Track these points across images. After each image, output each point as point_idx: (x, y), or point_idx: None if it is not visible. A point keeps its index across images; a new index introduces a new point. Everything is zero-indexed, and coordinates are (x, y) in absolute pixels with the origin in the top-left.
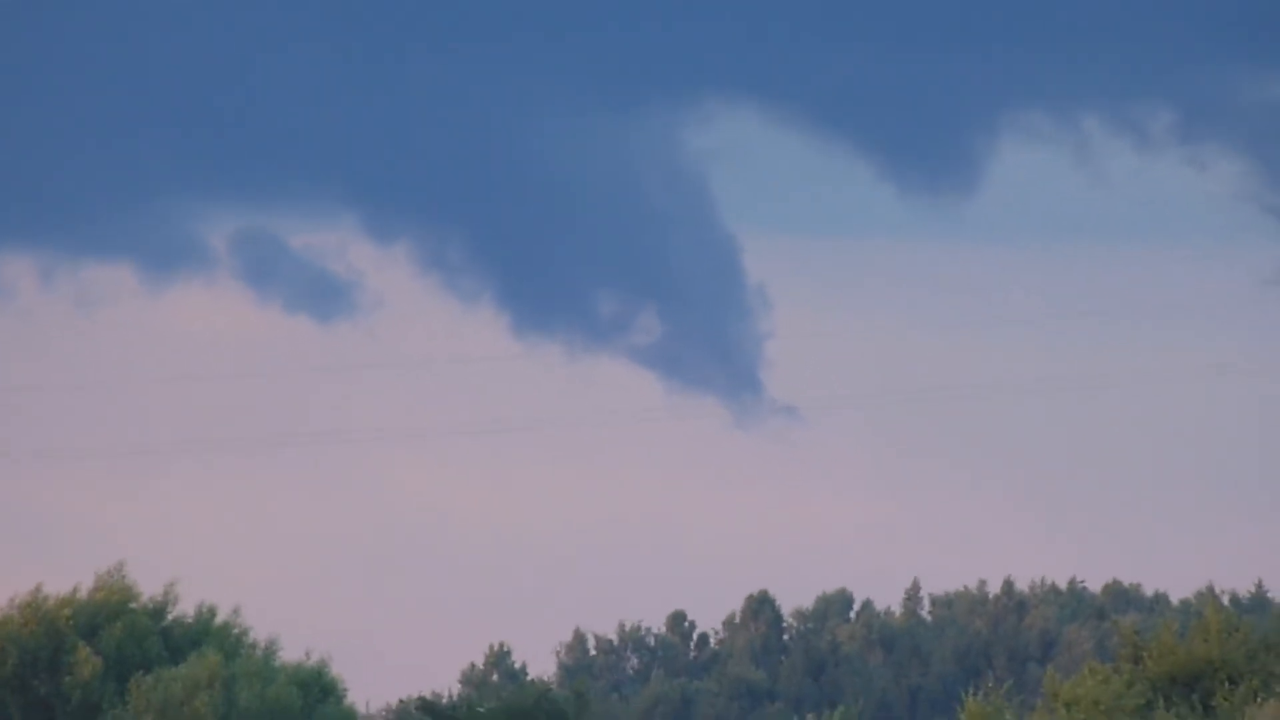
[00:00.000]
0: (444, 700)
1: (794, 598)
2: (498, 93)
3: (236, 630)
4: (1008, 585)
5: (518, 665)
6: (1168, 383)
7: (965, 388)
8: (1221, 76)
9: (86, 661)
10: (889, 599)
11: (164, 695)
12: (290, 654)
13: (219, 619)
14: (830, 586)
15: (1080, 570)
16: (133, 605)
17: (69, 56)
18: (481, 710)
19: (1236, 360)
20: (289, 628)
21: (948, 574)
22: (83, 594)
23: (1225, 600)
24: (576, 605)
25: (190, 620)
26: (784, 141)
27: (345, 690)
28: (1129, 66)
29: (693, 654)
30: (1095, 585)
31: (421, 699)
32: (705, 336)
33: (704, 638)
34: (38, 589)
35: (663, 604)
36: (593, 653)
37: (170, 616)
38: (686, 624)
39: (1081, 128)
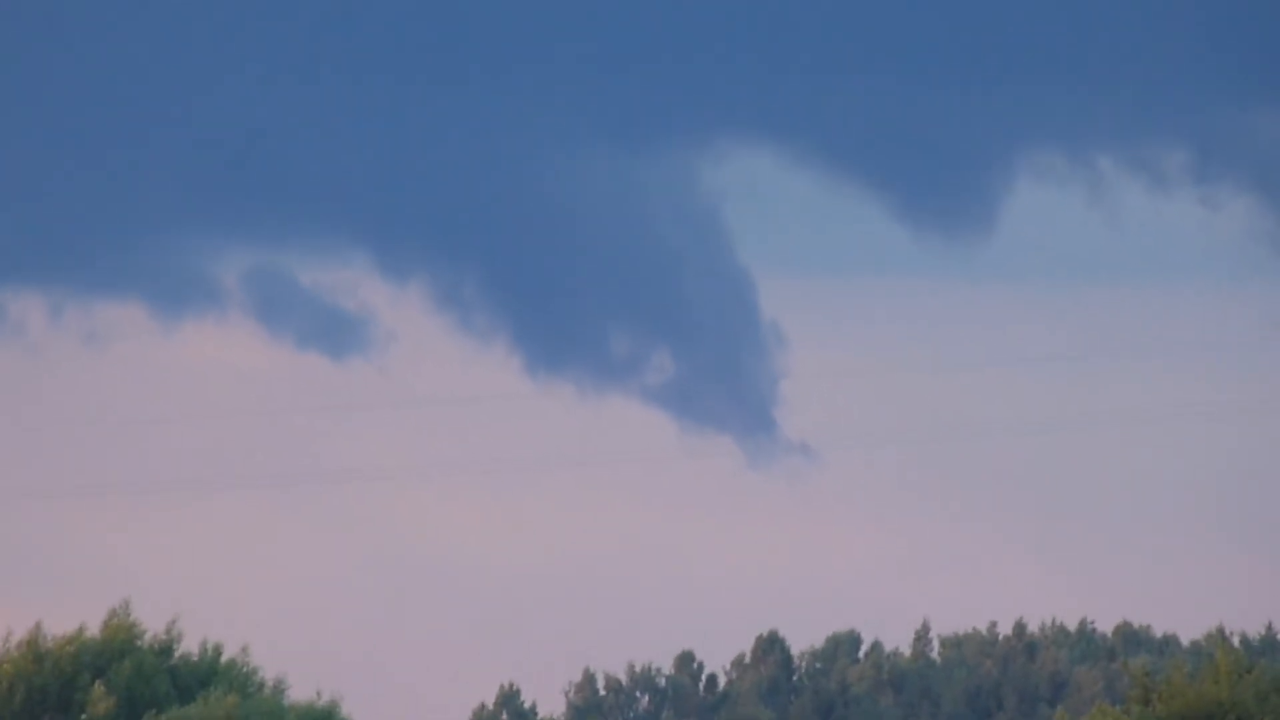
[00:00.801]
0: None
1: (804, 638)
2: (512, 131)
3: (245, 669)
4: (1019, 626)
5: (527, 705)
6: (1179, 423)
7: (977, 427)
8: (1236, 116)
9: (102, 699)
10: (899, 639)
11: None
12: (300, 693)
13: (225, 657)
14: (840, 626)
15: (1091, 611)
16: (139, 643)
17: (79, 93)
18: None
19: (1248, 401)
20: (299, 667)
21: (958, 614)
22: (90, 631)
23: (1236, 642)
24: (587, 645)
25: (196, 659)
26: (798, 180)
27: None
28: (1143, 106)
29: (702, 694)
30: (1106, 626)
31: None
32: (719, 375)
33: (713, 678)
34: (37, 627)
35: (673, 644)
36: (602, 693)
37: (177, 655)
38: (695, 664)
39: (1095, 167)
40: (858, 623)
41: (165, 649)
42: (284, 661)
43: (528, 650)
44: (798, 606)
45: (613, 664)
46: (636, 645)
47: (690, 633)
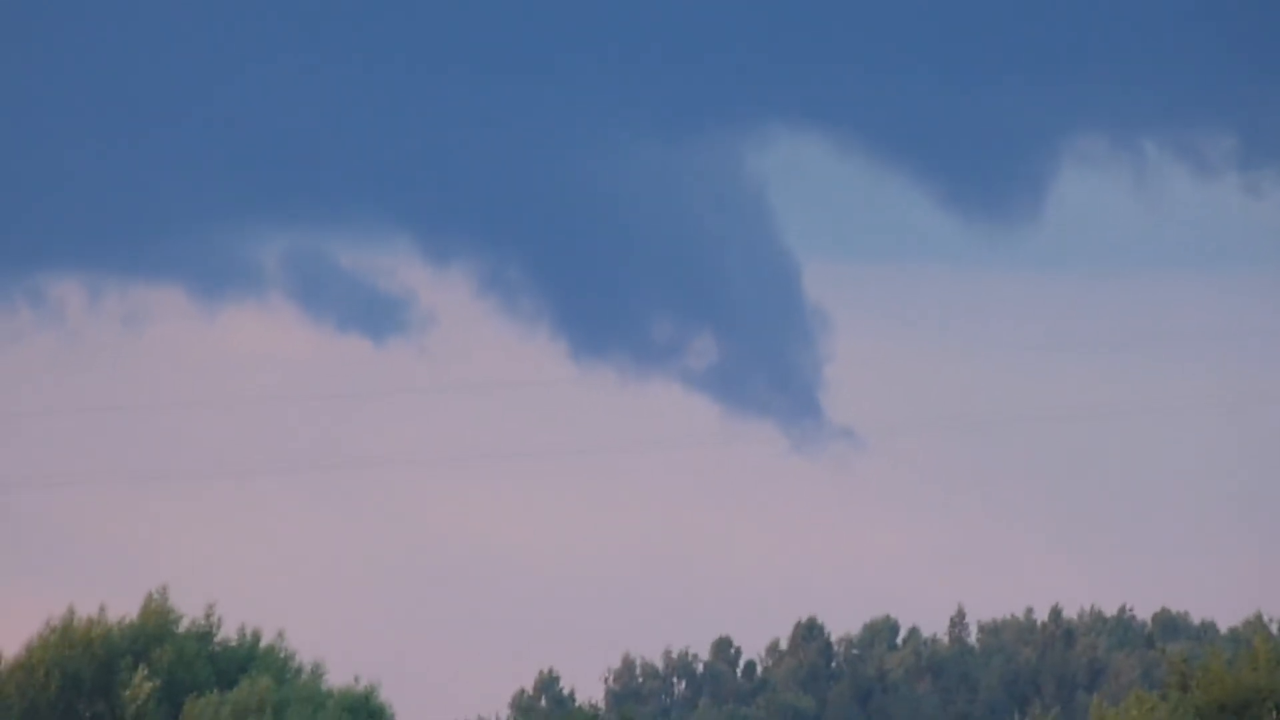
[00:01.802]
0: None
1: (842, 624)
2: (556, 117)
3: (283, 654)
4: (1055, 613)
5: (566, 691)
6: (1221, 410)
7: (1018, 414)
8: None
9: (143, 684)
10: (937, 626)
11: (217, 719)
12: (337, 679)
13: (264, 642)
14: (879, 613)
15: (1129, 599)
16: (176, 628)
17: (122, 83)
18: None
19: None
20: (338, 652)
21: (997, 602)
22: (130, 616)
23: (1275, 629)
24: (626, 631)
25: (235, 644)
26: (843, 167)
27: (394, 715)
28: (1189, 93)
29: (740, 680)
30: (1144, 614)
31: None
32: (763, 360)
33: (751, 665)
34: (70, 612)
35: (712, 630)
36: (640, 679)
37: (216, 640)
38: (733, 650)
39: (1140, 155)
40: (897, 609)
41: (205, 634)
42: (323, 647)
43: (568, 636)
44: (837, 593)
45: (653, 650)
46: (677, 631)
47: (729, 619)
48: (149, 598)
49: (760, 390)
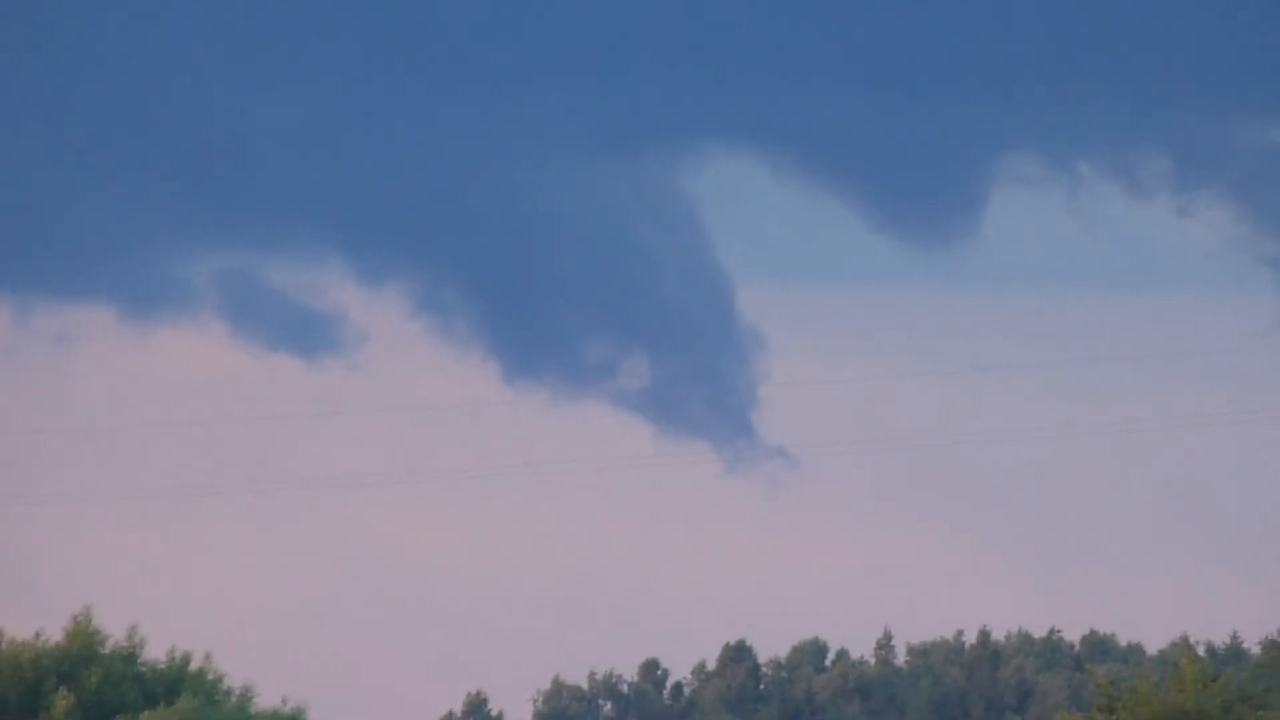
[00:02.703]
0: None
1: (772, 646)
2: (491, 135)
3: (211, 676)
4: (984, 635)
5: (495, 713)
6: (1148, 433)
7: (952, 436)
8: (1215, 124)
9: (64, 706)
10: (866, 648)
11: None
12: (266, 701)
13: (193, 665)
14: (810, 634)
15: (1057, 620)
16: (103, 650)
17: (50, 101)
18: None
19: (1218, 412)
20: (266, 674)
21: (928, 623)
22: (54, 638)
23: (1201, 651)
24: (556, 653)
25: (164, 666)
26: (779, 188)
27: None
28: (1123, 113)
29: (667, 702)
30: (1072, 635)
31: None
32: (697, 381)
33: (679, 686)
34: None
35: (642, 652)
36: (567, 701)
37: (142, 662)
38: (660, 672)
39: (1074, 176)
40: (828, 631)
41: (131, 656)
42: (252, 669)
43: (497, 658)
44: (767, 614)
45: (582, 672)
46: (607, 653)
47: (659, 640)
48: (75, 620)
49: (694, 411)
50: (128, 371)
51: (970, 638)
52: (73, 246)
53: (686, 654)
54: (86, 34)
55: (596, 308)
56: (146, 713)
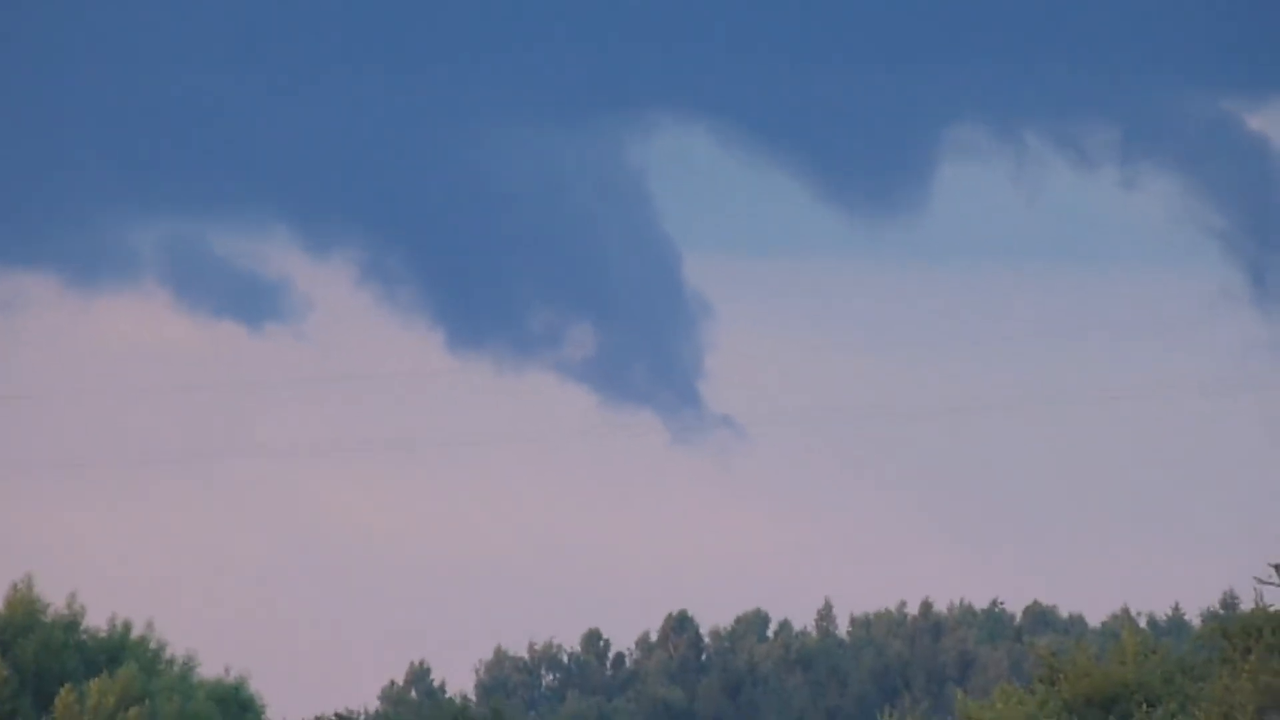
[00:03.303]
0: (361, 717)
1: (716, 617)
2: (438, 105)
3: (153, 645)
4: (925, 606)
5: (437, 683)
6: (1092, 405)
7: (896, 407)
8: (1162, 95)
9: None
10: (808, 619)
11: (93, 708)
12: (208, 670)
13: (134, 634)
14: (753, 605)
15: (999, 592)
16: (43, 618)
17: None
18: None
19: (1160, 383)
20: (208, 644)
21: (869, 594)
22: None
23: (1143, 623)
24: (500, 623)
25: (105, 635)
26: (726, 158)
27: (264, 707)
28: (1070, 85)
29: (609, 673)
30: (1014, 607)
31: (339, 715)
32: (643, 350)
33: (620, 657)
34: None
35: (587, 622)
36: (509, 672)
37: (84, 630)
38: (602, 643)
39: (1021, 147)
40: (771, 602)
41: (71, 624)
42: (195, 638)
43: (440, 628)
44: (711, 585)
45: (525, 642)
46: (551, 623)
47: (602, 611)
48: (14, 588)
49: (640, 380)
50: (71, 339)
51: (912, 609)
52: (16, 214)
53: (630, 625)
54: (31, 4)
55: (542, 277)
56: (93, 682)
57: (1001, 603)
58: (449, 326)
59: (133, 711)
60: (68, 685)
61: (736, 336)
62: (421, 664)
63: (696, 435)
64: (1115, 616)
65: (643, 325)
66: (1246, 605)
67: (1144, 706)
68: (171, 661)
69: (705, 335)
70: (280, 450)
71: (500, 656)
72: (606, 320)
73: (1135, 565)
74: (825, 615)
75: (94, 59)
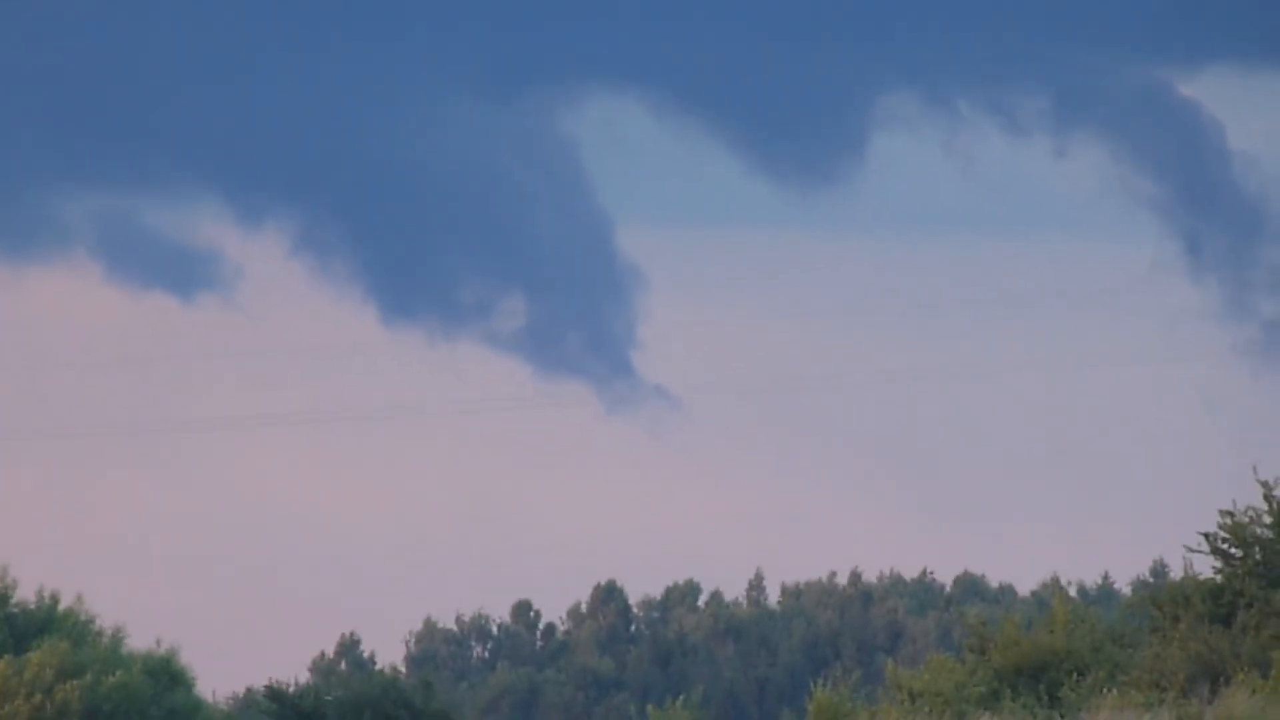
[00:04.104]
0: (291, 689)
1: (644, 587)
2: (369, 76)
3: (82, 618)
4: (855, 576)
5: (367, 654)
6: (1021, 374)
7: (827, 377)
8: (1093, 63)
9: None
10: (738, 590)
11: (29, 680)
12: (138, 642)
13: (62, 606)
14: (682, 576)
15: (929, 562)
16: None
17: None
18: (328, 699)
19: (1088, 353)
20: (138, 617)
21: (800, 564)
22: None
23: (1073, 592)
24: (431, 595)
25: (33, 607)
26: (658, 129)
27: (194, 679)
28: (1000, 52)
29: (539, 643)
30: (944, 577)
31: (269, 687)
32: (576, 321)
33: (550, 627)
34: None
35: (516, 593)
36: (438, 643)
37: (14, 603)
38: (532, 614)
39: (953, 116)
40: (702, 572)
41: (1, 597)
42: (123, 611)
43: (371, 599)
44: (643, 555)
45: (455, 614)
46: (482, 595)
47: (533, 582)
48: None
49: (573, 351)
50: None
51: (843, 579)
52: None
53: (562, 596)
54: None
55: (475, 248)
56: (31, 654)
57: (931, 572)
58: (381, 298)
59: (70, 684)
60: (6, 658)
61: (670, 307)
62: (351, 635)
63: (630, 406)
64: (1045, 585)
65: (576, 296)
66: (1176, 574)
67: (1074, 675)
68: (100, 634)
69: (639, 306)
70: (210, 422)
71: (430, 628)
72: (539, 291)
73: (1065, 534)
74: (756, 585)
75: (19, 30)
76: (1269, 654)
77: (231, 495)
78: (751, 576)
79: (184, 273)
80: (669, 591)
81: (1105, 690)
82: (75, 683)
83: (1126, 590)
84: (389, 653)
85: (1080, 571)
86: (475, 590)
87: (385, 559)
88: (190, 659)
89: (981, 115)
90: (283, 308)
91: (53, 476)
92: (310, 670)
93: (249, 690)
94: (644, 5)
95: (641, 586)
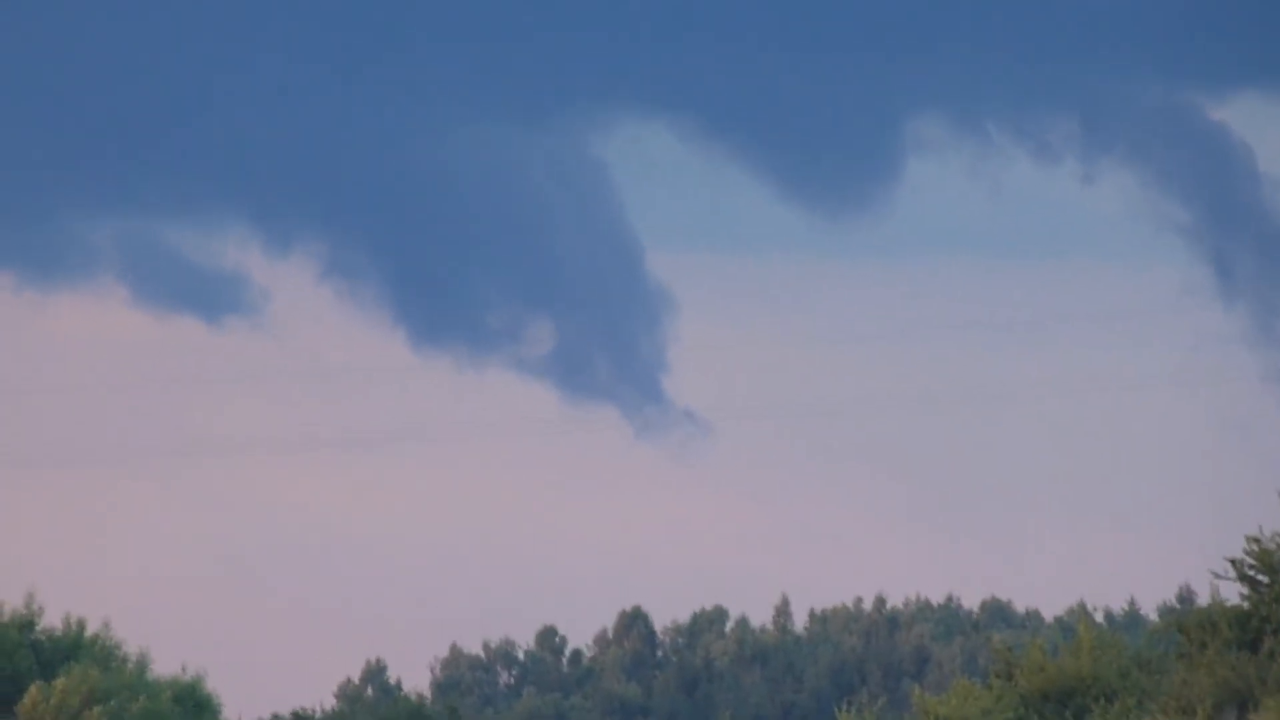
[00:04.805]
0: (318, 715)
1: (671, 612)
2: (400, 100)
3: (108, 644)
4: (880, 601)
5: (393, 680)
6: (1053, 398)
7: (850, 402)
8: (1122, 87)
9: None
10: (765, 615)
11: (56, 706)
12: (164, 668)
13: (89, 632)
14: (711, 601)
15: (956, 587)
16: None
17: None
18: None
19: (1115, 378)
20: (164, 642)
21: (826, 590)
22: None
23: (1099, 617)
24: (458, 621)
25: (60, 633)
26: (688, 154)
27: (220, 705)
28: (1030, 78)
29: (565, 669)
30: (971, 602)
31: (295, 713)
32: (605, 345)
33: (577, 654)
34: None
35: (542, 618)
36: (465, 669)
37: (40, 629)
38: (557, 639)
39: (982, 142)
40: (730, 597)
41: (27, 623)
42: (149, 636)
43: (398, 626)
44: (670, 581)
45: (481, 640)
46: (508, 621)
47: (560, 608)
48: None
49: (603, 375)
50: (27, 336)
51: (869, 604)
52: None
53: (589, 621)
54: None
55: (504, 272)
56: (58, 680)
57: (957, 598)
58: (410, 323)
59: (96, 710)
60: (37, 683)
61: (699, 332)
62: (378, 661)
63: (659, 430)
64: (1071, 611)
65: (605, 320)
66: (1203, 600)
67: (1100, 701)
68: (126, 659)
69: (668, 330)
70: (238, 446)
71: (456, 654)
72: (568, 315)
73: (1092, 560)
74: (782, 611)
75: (48, 56)
76: None
77: (257, 520)
78: (778, 602)
79: (211, 296)
80: (696, 617)
81: (1132, 716)
82: (100, 708)
83: (1153, 616)
84: (415, 679)
85: (1107, 597)
86: (501, 616)
87: (411, 584)
88: (216, 684)
89: (1010, 139)
90: (310, 331)
91: (79, 500)
92: (336, 696)
93: (275, 716)
94: (674, 30)
95: (668, 612)
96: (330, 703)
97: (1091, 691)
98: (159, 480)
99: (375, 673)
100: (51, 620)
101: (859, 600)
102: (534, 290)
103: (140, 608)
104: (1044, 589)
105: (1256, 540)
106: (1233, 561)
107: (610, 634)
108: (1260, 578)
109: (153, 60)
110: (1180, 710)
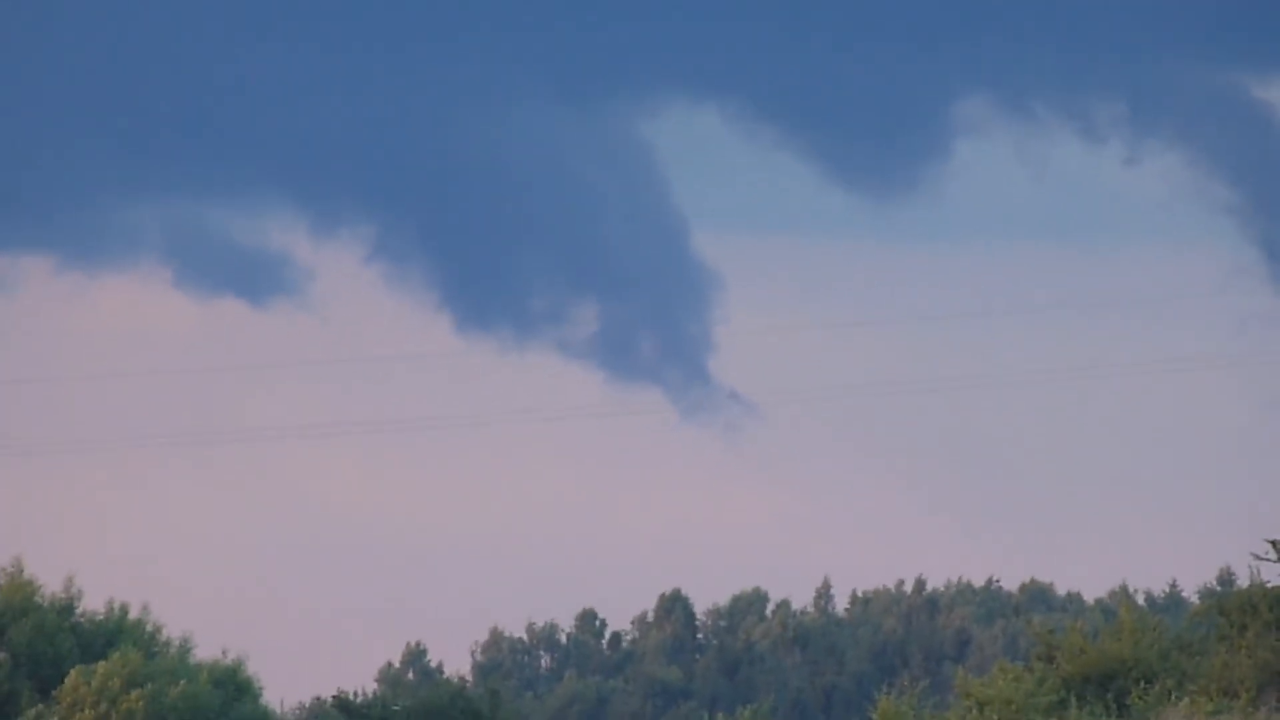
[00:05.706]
0: (359, 699)
1: (712, 595)
2: (445, 83)
3: (150, 628)
4: (920, 584)
5: (434, 664)
6: (1092, 381)
7: (898, 385)
8: (1168, 67)
9: None
10: (806, 598)
11: (97, 690)
12: (205, 652)
13: (131, 616)
14: (750, 584)
15: (997, 570)
16: (38, 601)
17: None
18: (396, 709)
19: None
20: (206, 626)
21: (868, 572)
22: None
23: (1140, 600)
24: (499, 604)
25: (101, 617)
26: (735, 137)
27: (261, 689)
28: (1078, 60)
29: (606, 652)
30: (1011, 585)
31: (336, 697)
32: (651, 327)
33: (617, 636)
34: None
35: (583, 601)
36: (506, 652)
37: (81, 613)
38: (598, 623)
39: (1030, 125)
40: (772, 579)
41: (66, 607)
42: (193, 620)
43: (439, 608)
44: (712, 563)
45: (522, 623)
46: (550, 604)
47: (603, 590)
48: (6, 572)
49: (647, 357)
50: (71, 320)
51: (909, 587)
52: (13, 195)
53: (630, 604)
54: None
55: (550, 254)
56: (99, 664)
57: (998, 581)
58: (455, 305)
59: (135, 694)
60: (78, 667)
61: (745, 314)
62: (418, 645)
63: (705, 412)
64: (1112, 594)
65: (651, 302)
66: (1243, 582)
67: (1141, 683)
68: (168, 643)
69: (714, 312)
70: (281, 430)
71: (497, 637)
72: (614, 297)
73: (1132, 542)
74: (824, 594)
75: (91, 38)
76: None
77: (299, 503)
78: (819, 585)
79: (256, 278)
80: (736, 600)
81: (1173, 698)
82: (139, 691)
83: (1194, 598)
84: (456, 662)
85: (1147, 579)
86: (542, 599)
87: (452, 568)
88: (257, 668)
89: (1056, 121)
90: (355, 313)
91: (121, 484)
92: (377, 680)
93: (316, 700)
94: (721, 13)
95: (709, 595)
96: (372, 686)
97: (1132, 674)
98: (202, 464)
99: (416, 656)
100: (93, 604)
101: (900, 583)
102: (579, 273)
103: (184, 591)
104: (1085, 572)
105: None
106: (1273, 543)
107: (651, 617)
108: None
109: (199, 42)
110: (1221, 692)
